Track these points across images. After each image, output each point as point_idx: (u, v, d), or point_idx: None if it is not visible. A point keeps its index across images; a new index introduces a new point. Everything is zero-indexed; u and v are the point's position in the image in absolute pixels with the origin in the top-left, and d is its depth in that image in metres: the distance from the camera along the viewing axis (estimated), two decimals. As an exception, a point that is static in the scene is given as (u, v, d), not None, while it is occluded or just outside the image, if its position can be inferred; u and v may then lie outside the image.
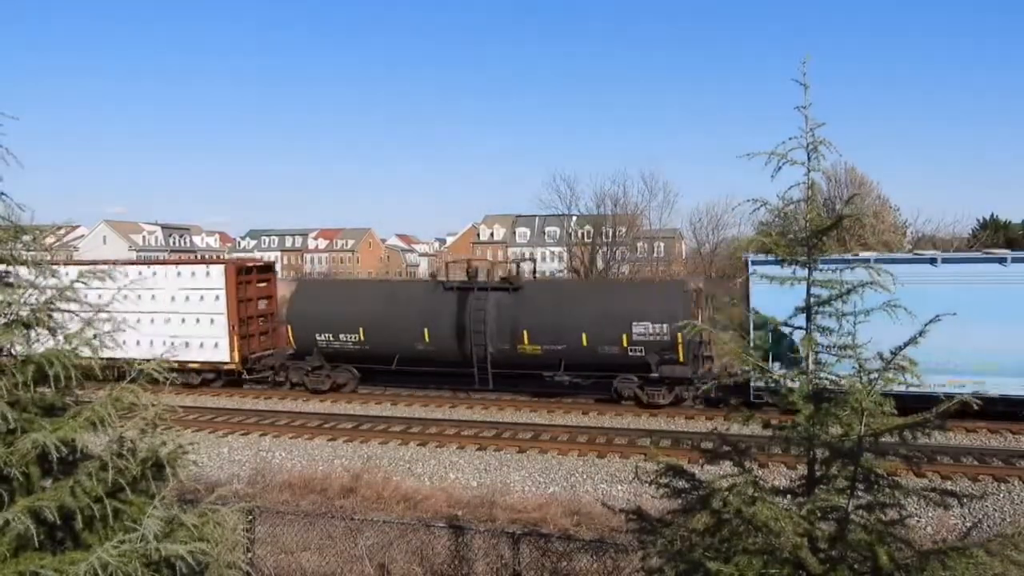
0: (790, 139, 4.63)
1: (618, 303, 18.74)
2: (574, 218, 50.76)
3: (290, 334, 21.70)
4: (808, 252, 4.70)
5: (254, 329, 23.06)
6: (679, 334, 17.20)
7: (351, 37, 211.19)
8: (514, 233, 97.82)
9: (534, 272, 24.37)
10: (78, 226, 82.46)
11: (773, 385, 4.70)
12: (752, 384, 14.06)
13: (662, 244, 55.01)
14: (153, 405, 4.64)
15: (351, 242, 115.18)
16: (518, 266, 22.19)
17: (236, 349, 22.02)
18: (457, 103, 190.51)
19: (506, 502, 12.71)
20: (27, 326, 4.56)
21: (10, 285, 4.63)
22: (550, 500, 12.84)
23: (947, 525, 10.90)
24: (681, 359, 18.09)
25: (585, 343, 18.44)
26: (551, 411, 19.22)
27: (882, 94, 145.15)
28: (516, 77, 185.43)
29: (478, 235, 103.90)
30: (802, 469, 4.89)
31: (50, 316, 4.66)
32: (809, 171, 4.67)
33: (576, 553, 8.68)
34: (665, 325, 17.73)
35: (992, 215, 45.29)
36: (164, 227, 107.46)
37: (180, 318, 22.35)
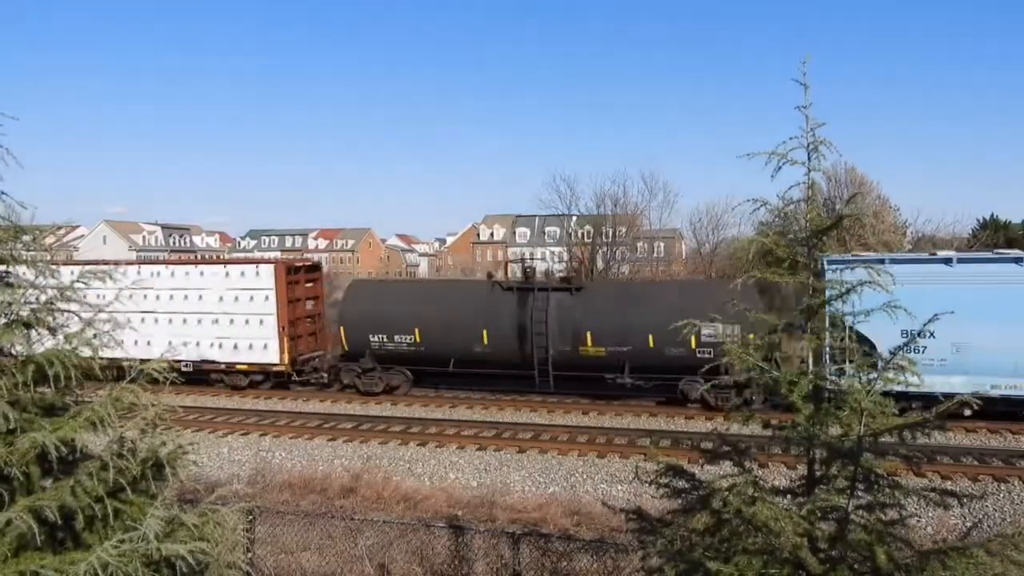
0: (790, 139, 4.63)
1: (687, 302, 17.86)
2: (574, 218, 50.71)
3: (342, 335, 21.21)
4: (808, 252, 4.70)
5: (302, 330, 22.69)
6: (751, 335, 16.57)
7: (351, 37, 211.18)
8: (514, 233, 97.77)
9: (548, 272, 24.06)
10: (78, 226, 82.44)
11: (773, 385, 4.69)
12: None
13: (662, 244, 54.94)
14: (153, 405, 4.64)
15: (351, 242, 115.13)
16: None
17: (286, 350, 21.63)
18: (457, 103, 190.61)
19: (506, 502, 12.71)
20: (27, 325, 4.56)
21: (10, 285, 4.63)
22: (550, 500, 12.84)
23: (947, 525, 10.90)
24: None
25: (651, 344, 17.99)
26: (551, 411, 19.22)
27: (882, 94, 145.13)
28: (516, 77, 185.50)
29: (478, 235, 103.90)
30: (802, 469, 4.89)
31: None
32: (809, 171, 4.67)
33: (576, 553, 8.68)
34: (737, 327, 16.96)
35: (992, 215, 45.25)
36: (164, 227, 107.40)
37: (228, 319, 21.99)
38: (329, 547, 9.63)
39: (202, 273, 22.30)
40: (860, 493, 4.34)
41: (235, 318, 21.93)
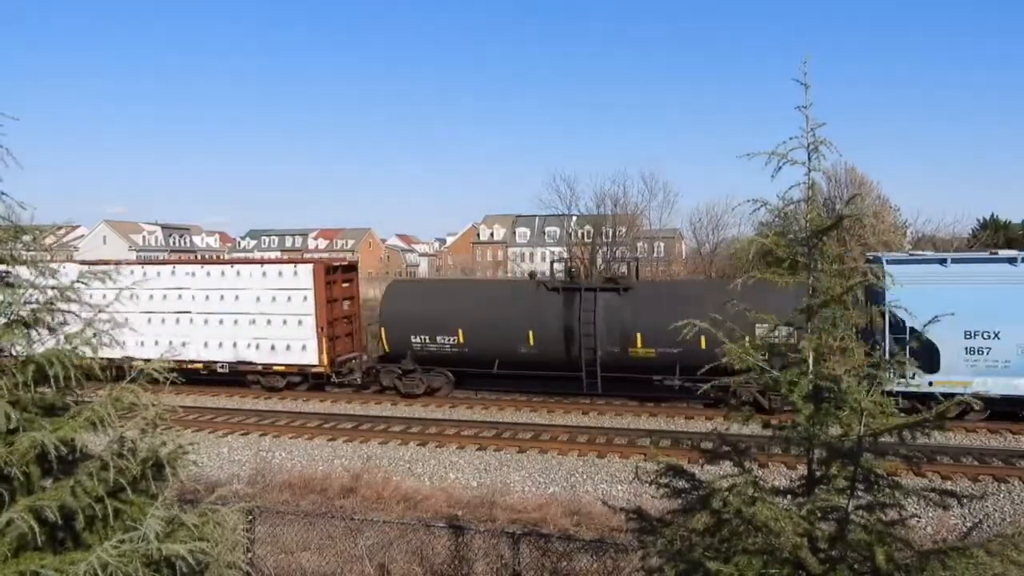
0: (790, 139, 4.62)
1: (741, 303, 17.67)
2: (574, 218, 50.70)
3: (383, 336, 20.84)
4: (808, 252, 4.70)
5: (339, 331, 22.28)
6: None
7: (351, 37, 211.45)
8: (514, 233, 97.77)
9: (568, 273, 23.61)
10: (78, 226, 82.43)
11: (773, 384, 4.69)
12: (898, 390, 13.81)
13: (662, 244, 54.94)
14: (153, 405, 4.64)
15: (351, 242, 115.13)
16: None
17: (325, 351, 21.27)
18: (457, 103, 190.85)
19: (506, 502, 12.71)
20: (26, 325, 4.56)
21: (10, 285, 4.63)
22: (550, 500, 12.84)
23: (947, 525, 10.89)
24: None
25: (704, 346, 17.64)
26: (551, 411, 19.22)
27: (882, 94, 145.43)
28: (516, 77, 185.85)
29: (478, 235, 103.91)
30: (802, 469, 4.89)
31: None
32: (809, 171, 4.67)
33: (576, 553, 8.68)
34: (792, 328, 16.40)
35: (992, 215, 45.29)
36: (164, 227, 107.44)
37: (266, 319, 21.57)
38: (329, 547, 9.63)
39: (239, 273, 21.89)
40: (860, 493, 4.34)
41: (272, 318, 21.53)
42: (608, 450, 15.50)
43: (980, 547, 3.87)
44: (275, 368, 21.62)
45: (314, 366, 21.36)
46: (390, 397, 21.07)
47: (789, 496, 4.73)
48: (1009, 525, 11.27)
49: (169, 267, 23.03)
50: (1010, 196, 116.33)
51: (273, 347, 21.49)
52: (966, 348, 15.39)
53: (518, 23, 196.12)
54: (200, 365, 22.05)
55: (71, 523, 4.18)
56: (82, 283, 4.80)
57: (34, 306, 4.64)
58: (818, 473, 4.60)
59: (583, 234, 48.53)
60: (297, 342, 21.34)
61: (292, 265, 22.20)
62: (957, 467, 13.82)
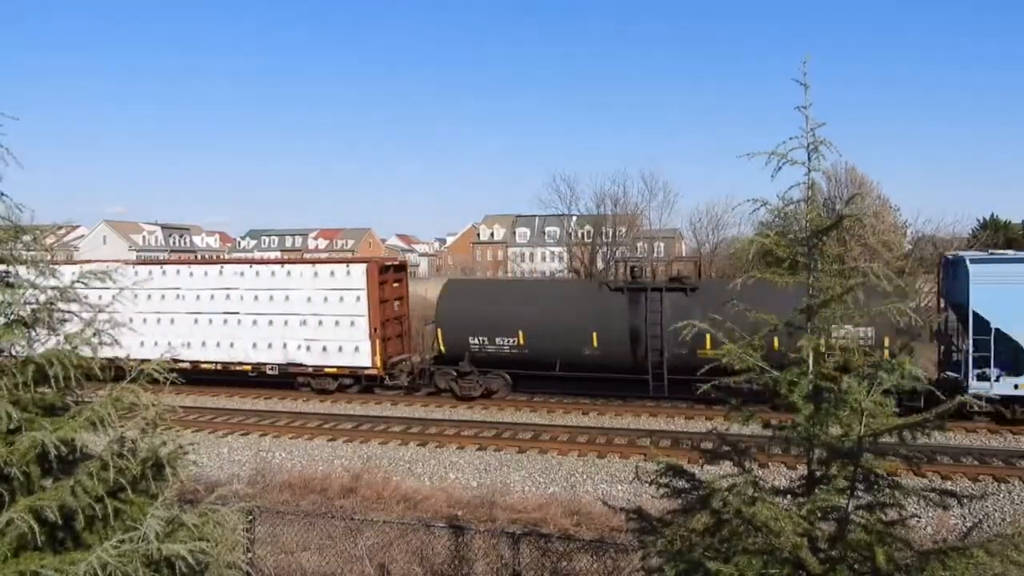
0: (790, 139, 4.62)
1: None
2: (574, 218, 50.75)
3: (439, 337, 20.29)
4: (808, 252, 4.70)
5: (391, 332, 21.78)
6: (886, 337, 15.40)
7: (351, 37, 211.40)
8: (514, 233, 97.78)
9: (631, 272, 23.20)
10: (78, 226, 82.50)
11: (773, 385, 4.69)
12: (969, 393, 12.85)
13: (662, 244, 55.03)
14: (153, 405, 4.64)
15: (351, 242, 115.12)
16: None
17: (378, 353, 20.71)
18: (457, 103, 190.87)
19: (506, 502, 12.71)
20: (26, 325, 4.56)
21: (10, 285, 4.63)
22: (550, 500, 12.84)
23: (947, 525, 10.89)
24: None
25: (776, 347, 17.37)
26: (551, 411, 19.22)
27: (882, 94, 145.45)
28: (516, 77, 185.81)
29: (478, 235, 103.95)
30: (802, 469, 4.89)
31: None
32: (809, 171, 4.67)
33: (576, 553, 8.68)
34: (870, 328, 15.53)
35: (992, 215, 45.38)
36: (164, 227, 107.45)
37: (317, 320, 20.99)
38: (329, 547, 9.63)
39: (289, 273, 21.43)
40: (860, 493, 4.34)
41: (324, 319, 20.94)
42: (608, 450, 15.51)
43: (980, 547, 3.86)
44: (327, 370, 21.07)
45: (367, 368, 20.82)
46: (390, 397, 21.09)
47: (789, 496, 4.74)
48: (1009, 525, 11.27)
49: (217, 267, 22.55)
50: (1010, 196, 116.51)
51: (325, 348, 20.89)
52: None
53: (518, 23, 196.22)
54: (248, 367, 21.66)
55: (71, 523, 4.18)
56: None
57: (37, 305, 4.64)
58: (818, 473, 4.60)
59: (583, 234, 48.57)
60: (350, 343, 20.77)
61: (345, 265, 21.75)
62: (957, 467, 13.82)
